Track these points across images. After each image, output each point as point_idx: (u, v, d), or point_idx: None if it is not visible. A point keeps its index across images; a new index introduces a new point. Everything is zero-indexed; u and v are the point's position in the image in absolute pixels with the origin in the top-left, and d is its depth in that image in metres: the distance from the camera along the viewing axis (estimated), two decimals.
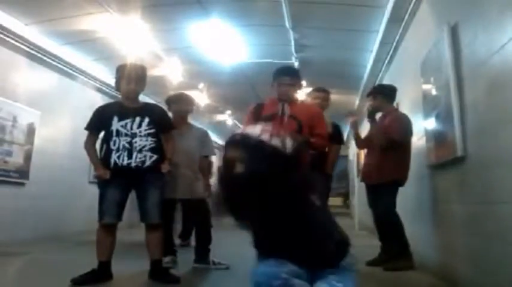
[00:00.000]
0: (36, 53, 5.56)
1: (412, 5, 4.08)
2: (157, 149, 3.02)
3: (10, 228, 4.97)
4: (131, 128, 2.98)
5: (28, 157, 5.53)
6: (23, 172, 5.43)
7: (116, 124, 2.97)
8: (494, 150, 2.23)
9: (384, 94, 3.91)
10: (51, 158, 5.93)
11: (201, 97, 8.46)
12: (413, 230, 4.09)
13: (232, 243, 3.83)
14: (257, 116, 3.12)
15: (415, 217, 4.04)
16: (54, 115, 5.93)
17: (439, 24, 3.18)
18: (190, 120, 4.11)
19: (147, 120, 3.02)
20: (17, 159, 5.35)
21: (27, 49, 5.41)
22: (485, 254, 2.34)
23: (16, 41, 5.20)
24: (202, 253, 3.65)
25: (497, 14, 2.16)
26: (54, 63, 5.94)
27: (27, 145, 5.54)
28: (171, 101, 3.93)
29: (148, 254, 3.03)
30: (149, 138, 2.99)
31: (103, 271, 2.89)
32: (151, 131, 3.01)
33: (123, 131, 2.96)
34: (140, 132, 2.98)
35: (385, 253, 3.54)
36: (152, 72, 6.93)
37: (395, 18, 4.50)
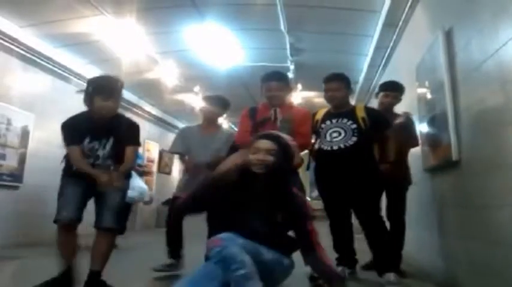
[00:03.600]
0: (30, 56, 5.54)
1: (406, 10, 4.10)
2: (119, 161, 2.84)
3: (3, 231, 4.92)
4: (96, 150, 2.79)
5: (22, 160, 5.49)
6: (16, 176, 5.39)
7: (86, 145, 2.77)
8: (489, 154, 2.23)
9: (401, 92, 3.66)
10: (45, 162, 5.87)
11: (196, 100, 8.45)
12: (412, 234, 4.10)
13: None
14: (252, 119, 3.12)
15: (412, 220, 4.05)
16: (48, 118, 5.89)
17: (433, 29, 3.19)
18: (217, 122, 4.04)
19: (111, 141, 2.81)
20: (11, 162, 5.31)
21: (21, 52, 5.39)
22: (480, 257, 2.34)
23: (10, 43, 5.17)
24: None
25: (491, 19, 2.18)
26: (48, 65, 5.91)
27: (21, 148, 5.50)
28: (209, 100, 3.83)
29: (91, 262, 2.71)
30: (111, 158, 2.82)
31: (65, 278, 2.63)
32: (114, 151, 2.83)
33: (89, 153, 2.79)
34: (104, 155, 2.80)
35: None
36: (147, 75, 6.95)
37: (390, 23, 4.52)
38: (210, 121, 3.80)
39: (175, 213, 3.52)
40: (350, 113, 3.25)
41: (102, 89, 2.74)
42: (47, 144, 5.93)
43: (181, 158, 3.84)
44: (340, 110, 3.32)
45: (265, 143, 2.17)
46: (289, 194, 2.18)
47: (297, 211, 2.14)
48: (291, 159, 2.24)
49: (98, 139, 2.78)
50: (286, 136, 2.30)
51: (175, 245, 3.52)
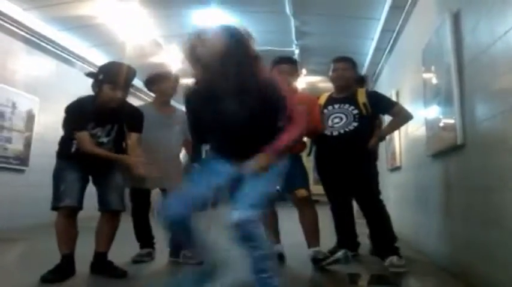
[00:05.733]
0: (34, 39, 5.53)
1: None
2: (120, 146, 2.85)
3: (9, 214, 4.98)
4: (99, 137, 2.73)
5: (28, 144, 5.53)
6: (22, 159, 5.43)
7: (89, 130, 2.70)
8: (494, 137, 2.21)
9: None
10: (51, 145, 5.78)
11: None
12: (415, 219, 4.11)
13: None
14: None
15: (416, 205, 4.06)
16: (53, 102, 5.89)
17: (441, 11, 3.14)
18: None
19: (116, 128, 2.78)
20: (17, 146, 5.35)
21: (25, 35, 5.37)
22: (485, 241, 2.34)
23: (14, 26, 5.15)
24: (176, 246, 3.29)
25: (499, 0, 2.13)
26: (52, 49, 5.90)
27: (27, 131, 5.54)
28: (154, 80, 3.49)
29: (96, 245, 2.77)
30: (113, 144, 2.79)
31: (67, 265, 2.61)
32: (117, 137, 2.81)
33: (91, 139, 2.72)
34: (108, 141, 2.77)
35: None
36: (151, 59, 6.91)
37: (397, 6, 4.45)
38: (165, 102, 3.51)
39: (138, 205, 3.44)
40: (351, 98, 3.25)
41: (113, 78, 2.68)
42: (52, 127, 5.95)
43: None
44: (342, 94, 3.31)
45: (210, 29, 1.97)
46: (253, 79, 1.94)
47: (267, 93, 1.93)
48: (245, 45, 1.98)
49: (102, 125, 2.74)
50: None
51: (147, 235, 3.42)
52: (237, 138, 1.96)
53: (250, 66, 1.94)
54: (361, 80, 4.02)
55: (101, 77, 2.71)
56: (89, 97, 2.79)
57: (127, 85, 2.75)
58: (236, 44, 1.94)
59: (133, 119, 2.86)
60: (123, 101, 2.80)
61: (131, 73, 2.79)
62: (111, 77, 2.69)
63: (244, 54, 1.94)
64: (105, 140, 2.75)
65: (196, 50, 1.92)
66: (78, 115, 2.71)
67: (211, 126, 2.05)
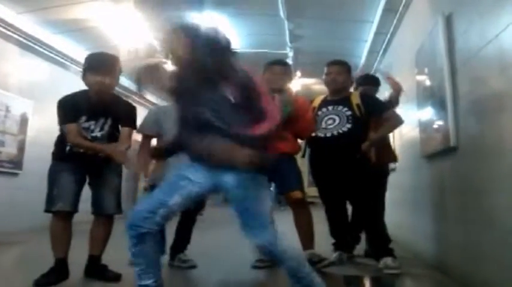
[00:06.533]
0: (28, 42, 5.50)
1: None
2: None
3: (3, 218, 4.94)
4: (92, 131, 2.72)
5: (21, 147, 5.50)
6: (16, 163, 5.40)
7: (81, 124, 2.70)
8: (487, 139, 2.23)
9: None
10: (45, 149, 5.76)
11: None
12: (409, 221, 4.13)
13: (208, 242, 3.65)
14: None
15: (410, 207, 4.07)
16: (47, 105, 5.82)
17: (433, 14, 3.17)
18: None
19: (109, 122, 2.77)
20: (10, 149, 5.32)
21: (19, 38, 5.35)
22: (476, 242, 2.36)
23: (8, 29, 5.13)
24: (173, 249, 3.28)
25: (492, 3, 2.16)
26: (46, 52, 5.87)
27: (20, 135, 5.50)
28: None
29: (90, 248, 2.75)
30: (108, 140, 2.77)
31: (60, 269, 2.58)
32: (112, 132, 2.80)
33: (84, 133, 2.71)
34: (102, 136, 2.75)
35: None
36: (146, 62, 6.91)
37: (391, 8, 4.48)
38: None
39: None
40: (346, 100, 3.26)
41: (93, 65, 2.73)
42: (46, 131, 5.91)
43: (145, 141, 3.35)
44: (336, 96, 3.32)
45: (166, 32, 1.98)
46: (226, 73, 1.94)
47: (240, 85, 1.91)
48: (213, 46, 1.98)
49: (94, 119, 2.73)
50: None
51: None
52: (200, 133, 1.84)
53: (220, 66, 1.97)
54: (376, 82, 3.96)
55: (85, 66, 2.77)
56: (81, 91, 2.81)
57: (107, 70, 2.72)
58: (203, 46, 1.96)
59: (127, 113, 2.87)
60: (115, 94, 2.83)
61: (111, 59, 2.81)
62: (91, 64, 2.74)
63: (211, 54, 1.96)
64: (98, 134, 2.74)
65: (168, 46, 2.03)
66: (68, 108, 2.71)
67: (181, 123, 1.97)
